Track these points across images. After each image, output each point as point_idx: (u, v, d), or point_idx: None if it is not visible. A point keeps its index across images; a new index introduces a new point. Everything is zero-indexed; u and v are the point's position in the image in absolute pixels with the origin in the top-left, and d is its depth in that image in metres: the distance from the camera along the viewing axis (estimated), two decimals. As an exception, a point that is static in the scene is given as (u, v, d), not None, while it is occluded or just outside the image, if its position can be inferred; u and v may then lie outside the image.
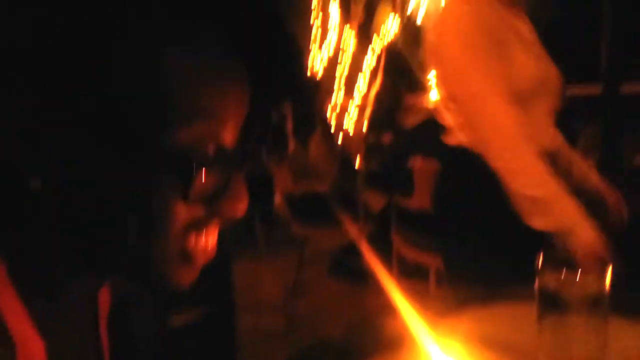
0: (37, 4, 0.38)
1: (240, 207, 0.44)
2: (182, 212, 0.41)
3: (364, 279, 3.25)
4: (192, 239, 0.43)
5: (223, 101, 0.42)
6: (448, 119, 1.32)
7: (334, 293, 3.26)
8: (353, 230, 3.24)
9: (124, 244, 0.41)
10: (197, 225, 0.43)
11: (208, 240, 0.45)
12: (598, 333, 0.65)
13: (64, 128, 0.38)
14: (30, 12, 0.38)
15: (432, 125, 2.69)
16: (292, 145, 3.23)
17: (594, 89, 2.33)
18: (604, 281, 0.65)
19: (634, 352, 0.75)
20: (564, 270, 0.67)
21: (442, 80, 1.29)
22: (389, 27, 5.68)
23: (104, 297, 0.50)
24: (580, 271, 0.66)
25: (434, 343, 0.52)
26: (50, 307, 0.43)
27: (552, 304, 0.65)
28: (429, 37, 1.26)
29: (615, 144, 2.12)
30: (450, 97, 1.26)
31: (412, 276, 2.76)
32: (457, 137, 1.29)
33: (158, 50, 0.39)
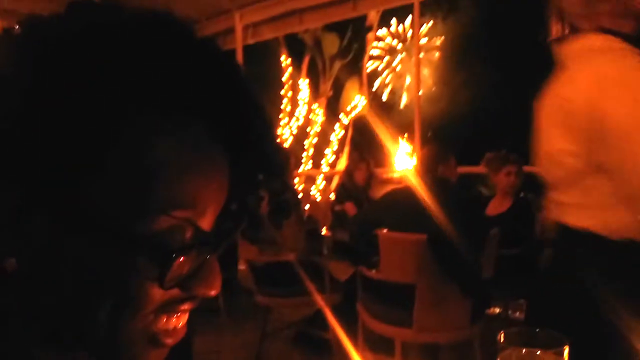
0: (30, 87, 0.39)
1: (213, 289, 0.44)
2: (156, 296, 0.41)
3: (329, 350, 3.19)
4: (164, 321, 0.43)
5: (203, 190, 0.42)
6: (570, 197, 1.23)
7: (298, 366, 3.17)
8: (318, 300, 3.22)
9: (94, 324, 0.41)
10: (170, 308, 0.43)
11: (179, 322, 0.45)
12: (558, 409, 0.67)
13: (42, 214, 0.39)
14: (20, 97, 0.39)
15: (398, 196, 2.77)
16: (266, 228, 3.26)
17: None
18: (562, 359, 0.69)
19: None
20: (524, 347, 0.70)
21: (606, 151, 1.14)
22: (355, 103, 5.93)
23: None
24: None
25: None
26: None
27: (514, 380, 0.68)
28: (590, 106, 1.14)
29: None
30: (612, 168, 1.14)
31: (377, 348, 2.73)
32: (577, 216, 1.20)
33: (143, 142, 0.40)
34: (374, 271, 2.68)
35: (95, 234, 0.39)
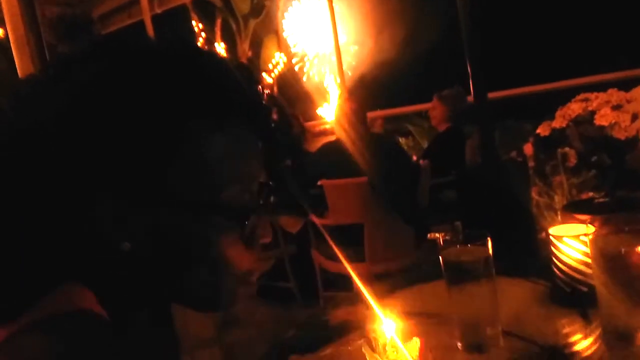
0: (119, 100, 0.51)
1: (268, 237, 0.62)
2: (243, 254, 0.58)
3: (292, 298, 3.40)
4: (250, 269, 0.60)
5: (251, 167, 0.59)
6: None
7: (266, 316, 3.36)
8: (275, 254, 3.39)
9: (197, 283, 0.56)
10: (254, 259, 0.60)
11: (258, 268, 0.63)
12: (490, 288, 0.88)
13: (149, 207, 0.53)
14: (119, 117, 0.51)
15: (333, 149, 2.94)
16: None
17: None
18: (488, 249, 0.88)
19: (518, 300, 1.00)
20: (459, 244, 0.90)
21: None
22: (277, 60, 5.97)
23: None
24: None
25: (385, 318, 0.71)
26: None
27: (454, 271, 0.88)
28: None
29: (489, 141, 2.48)
30: None
31: (335, 287, 2.96)
32: None
33: (210, 139, 0.55)
34: (323, 218, 2.87)
35: (188, 211, 0.54)
